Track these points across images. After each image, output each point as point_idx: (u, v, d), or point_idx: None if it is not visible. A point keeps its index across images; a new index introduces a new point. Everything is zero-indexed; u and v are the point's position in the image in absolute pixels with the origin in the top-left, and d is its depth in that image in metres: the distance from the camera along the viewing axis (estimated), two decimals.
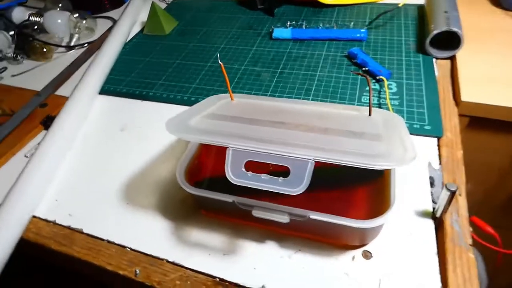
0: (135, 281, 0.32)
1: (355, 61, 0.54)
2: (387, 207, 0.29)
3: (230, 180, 0.25)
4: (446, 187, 0.30)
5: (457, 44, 0.52)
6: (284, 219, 0.29)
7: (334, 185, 0.34)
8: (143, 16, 0.72)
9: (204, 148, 0.37)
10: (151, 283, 0.32)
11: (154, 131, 0.47)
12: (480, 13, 0.63)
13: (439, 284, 0.29)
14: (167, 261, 0.33)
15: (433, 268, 0.30)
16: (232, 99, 0.37)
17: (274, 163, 0.25)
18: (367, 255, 0.32)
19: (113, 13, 0.78)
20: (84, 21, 0.68)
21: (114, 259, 0.34)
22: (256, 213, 0.30)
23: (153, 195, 0.39)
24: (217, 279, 0.31)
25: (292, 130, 0.29)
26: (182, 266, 0.32)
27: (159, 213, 0.37)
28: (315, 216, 0.28)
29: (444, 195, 0.30)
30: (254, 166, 0.32)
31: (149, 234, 0.35)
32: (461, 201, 0.35)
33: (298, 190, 0.24)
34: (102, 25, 0.73)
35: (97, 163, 0.44)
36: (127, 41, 0.67)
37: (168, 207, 0.37)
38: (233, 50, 0.61)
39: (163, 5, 0.79)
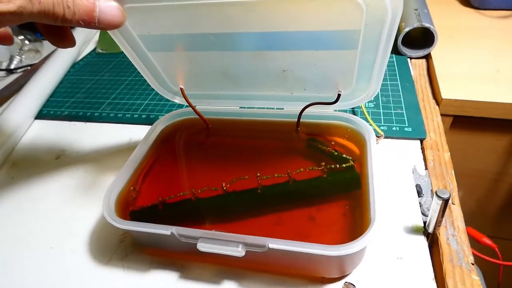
0: None
1: None
2: (368, 226, 0.22)
3: None
4: (436, 194, 0.24)
5: (431, 42, 0.49)
6: (238, 251, 0.23)
7: (303, 204, 0.28)
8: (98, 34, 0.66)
9: (143, 169, 0.31)
10: None
11: (97, 155, 0.40)
12: (451, 13, 0.62)
13: None
14: None
15: None
16: None
17: None
18: None
19: None
20: (28, 43, 0.62)
21: None
22: (202, 246, 0.23)
23: (84, 235, 0.31)
24: None
25: None
26: None
27: (91, 257, 0.29)
28: (275, 245, 0.22)
29: (436, 205, 0.25)
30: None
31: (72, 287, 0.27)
32: (456, 211, 0.29)
33: None
34: (51, 47, 0.67)
35: (18, 202, 0.36)
36: (77, 60, 0.61)
37: (104, 249, 0.30)
38: None
39: None
